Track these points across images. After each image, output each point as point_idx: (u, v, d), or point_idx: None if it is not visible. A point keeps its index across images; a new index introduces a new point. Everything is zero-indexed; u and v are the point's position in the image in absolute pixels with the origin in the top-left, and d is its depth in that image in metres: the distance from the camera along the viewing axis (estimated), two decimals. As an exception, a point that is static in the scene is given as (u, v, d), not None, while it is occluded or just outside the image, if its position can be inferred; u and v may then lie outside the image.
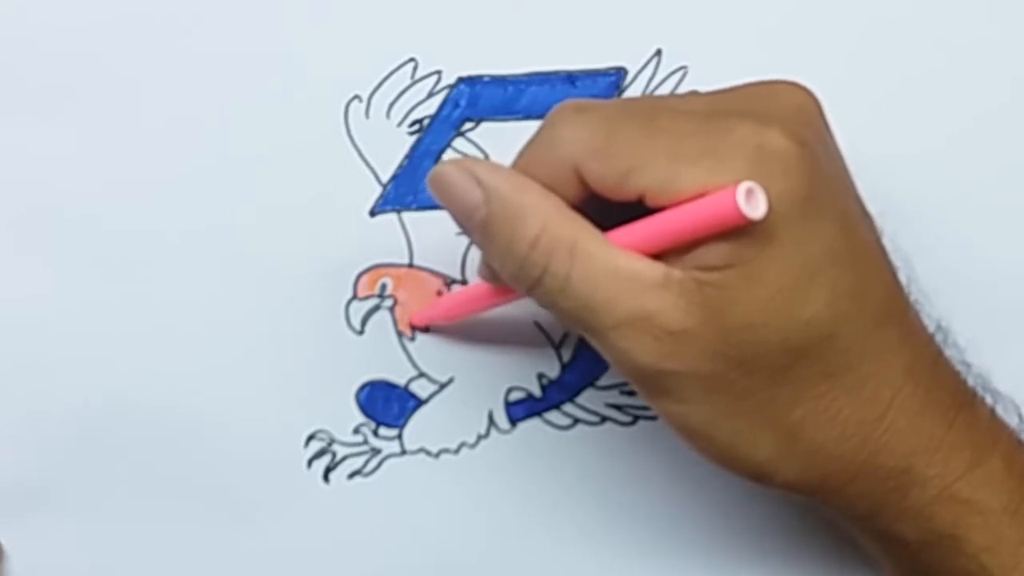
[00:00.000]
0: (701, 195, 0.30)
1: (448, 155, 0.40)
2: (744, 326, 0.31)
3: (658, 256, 0.31)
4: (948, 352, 0.35)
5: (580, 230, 0.32)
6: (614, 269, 0.31)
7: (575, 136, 0.32)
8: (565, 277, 0.31)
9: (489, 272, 0.36)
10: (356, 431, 0.41)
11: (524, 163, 0.33)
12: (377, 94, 0.40)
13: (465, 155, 0.40)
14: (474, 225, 0.33)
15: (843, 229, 0.32)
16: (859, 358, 0.32)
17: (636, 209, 0.31)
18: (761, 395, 0.32)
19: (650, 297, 0.31)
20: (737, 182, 0.29)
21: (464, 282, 0.41)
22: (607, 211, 0.32)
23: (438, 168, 0.34)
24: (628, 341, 0.31)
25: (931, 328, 0.35)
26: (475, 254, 0.40)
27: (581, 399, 0.41)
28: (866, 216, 0.34)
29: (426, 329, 0.41)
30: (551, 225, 0.32)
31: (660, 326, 0.31)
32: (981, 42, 0.40)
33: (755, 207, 0.29)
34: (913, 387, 0.33)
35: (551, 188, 0.32)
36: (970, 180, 0.41)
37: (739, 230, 0.30)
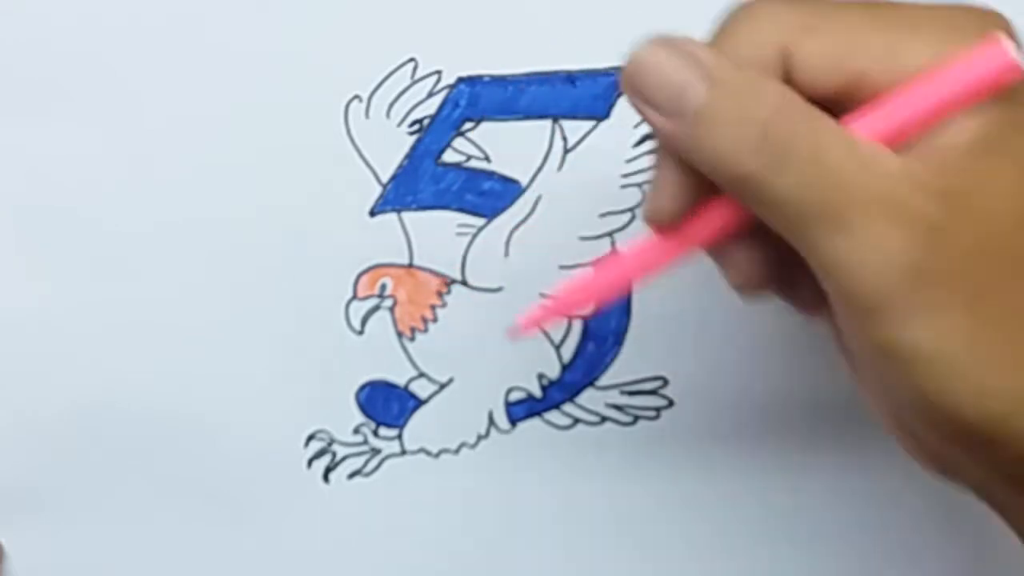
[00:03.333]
0: (931, 71, 0.26)
1: (448, 155, 0.40)
2: (1002, 212, 0.27)
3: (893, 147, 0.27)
4: None
5: (814, 109, 0.27)
6: (858, 152, 0.27)
7: (783, 14, 0.28)
8: (808, 157, 0.27)
9: (664, 200, 0.30)
10: (356, 431, 0.41)
11: (721, 48, 0.28)
12: (377, 94, 0.40)
13: (468, 155, 0.40)
14: (689, 106, 0.28)
15: None
16: None
17: None
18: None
19: (898, 183, 0.27)
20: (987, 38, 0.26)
21: (464, 282, 0.41)
22: None
23: (639, 54, 0.29)
24: (876, 236, 0.26)
25: None
26: (475, 254, 0.40)
27: (581, 399, 0.41)
28: None
29: (425, 329, 0.41)
30: (789, 100, 0.27)
31: (911, 216, 0.26)
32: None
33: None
34: None
35: None
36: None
37: (980, 103, 0.27)
